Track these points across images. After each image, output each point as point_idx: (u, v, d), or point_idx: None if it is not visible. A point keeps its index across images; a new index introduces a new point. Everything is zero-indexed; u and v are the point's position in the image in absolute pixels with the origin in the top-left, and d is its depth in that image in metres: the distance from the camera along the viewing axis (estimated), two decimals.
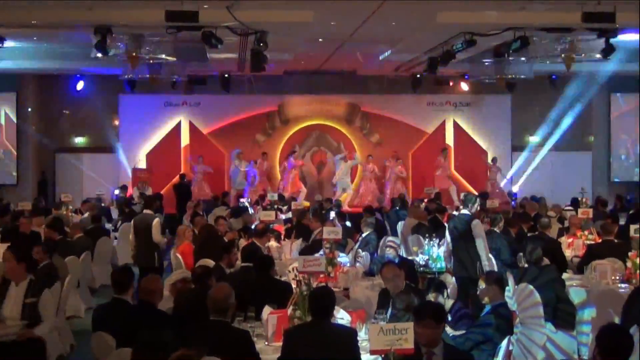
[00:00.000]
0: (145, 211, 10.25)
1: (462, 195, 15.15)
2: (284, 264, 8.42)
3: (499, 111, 19.62)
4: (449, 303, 5.52)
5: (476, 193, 17.42)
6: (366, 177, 18.89)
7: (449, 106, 19.91)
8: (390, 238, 9.13)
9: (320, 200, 15.84)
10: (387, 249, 8.14)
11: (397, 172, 18.86)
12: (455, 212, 13.34)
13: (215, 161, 19.17)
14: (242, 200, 16.29)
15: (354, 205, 18.23)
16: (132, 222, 10.13)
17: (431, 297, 5.63)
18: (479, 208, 9.29)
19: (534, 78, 16.38)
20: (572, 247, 9.91)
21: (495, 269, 8.22)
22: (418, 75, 18.24)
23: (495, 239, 8.91)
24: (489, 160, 19.27)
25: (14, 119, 18.94)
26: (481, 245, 7.96)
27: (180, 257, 8.91)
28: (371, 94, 19.83)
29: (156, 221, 9.78)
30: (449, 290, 7.24)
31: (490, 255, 8.45)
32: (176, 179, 18.63)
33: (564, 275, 7.73)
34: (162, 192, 17.72)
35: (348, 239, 10.25)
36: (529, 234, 10.07)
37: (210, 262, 7.69)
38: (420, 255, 8.94)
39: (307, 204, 15.99)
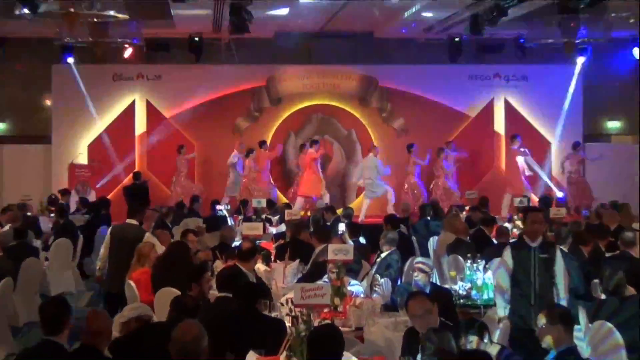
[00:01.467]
0: (128, 221, 10.34)
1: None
2: (275, 294, 8.30)
3: (566, 88, 19.54)
4: (493, 349, 5.48)
5: (536, 198, 17.53)
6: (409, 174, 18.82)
7: (499, 80, 19.91)
8: (419, 259, 8.96)
9: (322, 208, 15.88)
10: (415, 273, 8.01)
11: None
12: (506, 224, 13.39)
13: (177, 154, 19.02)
14: (218, 207, 16.26)
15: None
16: (108, 232, 10.29)
17: (471, 342, 5.61)
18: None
19: (612, 43, 16.35)
20: None
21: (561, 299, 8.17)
22: (457, 39, 18.19)
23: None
24: (572, 149, 19.01)
25: None
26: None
27: (134, 285, 8.86)
28: (393, 64, 19.77)
29: (148, 237, 9.86)
30: (498, 333, 7.19)
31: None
32: (129, 178, 18.62)
33: None
34: (109, 196, 17.75)
35: (362, 261, 10.24)
36: (607, 254, 10.00)
37: (174, 293, 7.61)
38: (460, 283, 8.90)
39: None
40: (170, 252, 9.21)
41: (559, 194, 18.77)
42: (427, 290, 7.62)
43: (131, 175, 18.53)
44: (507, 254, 7.55)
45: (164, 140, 19.18)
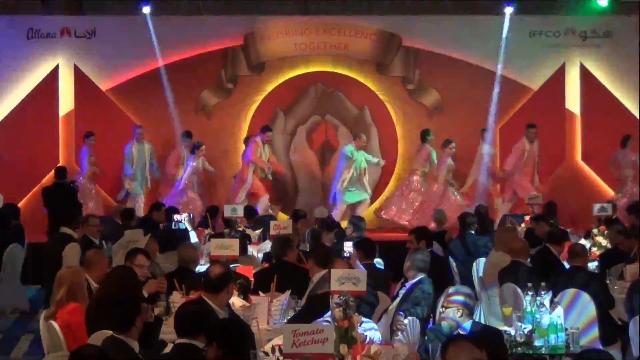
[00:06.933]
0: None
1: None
2: (257, 338, 8.41)
3: None
4: None
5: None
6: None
7: (572, 38, 19.90)
8: (457, 289, 8.92)
9: (324, 217, 16.19)
10: (453, 310, 8.30)
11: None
12: (583, 241, 13.30)
13: (121, 142, 19.48)
14: (177, 218, 16.38)
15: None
16: None
17: None
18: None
19: None
20: None
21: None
22: None
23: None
24: None
25: None
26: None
27: (59, 330, 8.81)
28: (422, 15, 20.02)
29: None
30: None
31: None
32: (49, 177, 18.82)
33: None
34: (21, 202, 18.25)
35: (379, 293, 10.37)
36: None
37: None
38: (518, 323, 8.97)
39: None
40: (111, 283, 9.19)
41: None
42: (469, 331, 8.02)
43: (53, 172, 18.54)
44: None
45: (99, 121, 19.46)
